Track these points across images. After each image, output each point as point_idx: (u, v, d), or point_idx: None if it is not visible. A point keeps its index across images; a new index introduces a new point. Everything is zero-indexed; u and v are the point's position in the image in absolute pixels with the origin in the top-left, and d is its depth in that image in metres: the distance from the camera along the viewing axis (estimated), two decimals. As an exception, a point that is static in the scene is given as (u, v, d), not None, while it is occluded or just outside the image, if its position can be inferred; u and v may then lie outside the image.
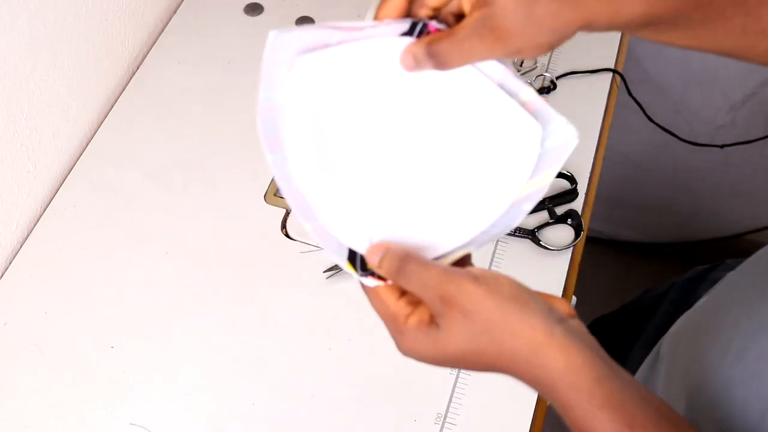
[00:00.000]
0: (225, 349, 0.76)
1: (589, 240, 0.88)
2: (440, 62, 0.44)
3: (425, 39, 0.45)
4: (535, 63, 0.95)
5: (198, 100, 0.93)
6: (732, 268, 0.85)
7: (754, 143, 1.36)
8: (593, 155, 0.89)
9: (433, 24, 0.45)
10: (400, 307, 0.45)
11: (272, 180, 0.86)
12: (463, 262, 0.48)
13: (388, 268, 0.45)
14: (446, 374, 0.74)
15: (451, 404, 0.72)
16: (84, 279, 0.80)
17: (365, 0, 0.70)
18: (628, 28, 0.46)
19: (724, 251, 1.62)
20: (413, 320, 0.44)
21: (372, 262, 0.46)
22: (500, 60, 0.46)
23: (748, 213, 1.57)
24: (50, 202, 0.85)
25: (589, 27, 0.45)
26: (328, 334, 0.77)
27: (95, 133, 0.91)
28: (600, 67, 0.96)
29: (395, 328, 0.45)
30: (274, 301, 0.79)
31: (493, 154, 0.47)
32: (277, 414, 0.73)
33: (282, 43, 0.45)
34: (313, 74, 0.46)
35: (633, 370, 0.80)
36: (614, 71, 0.97)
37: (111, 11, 0.90)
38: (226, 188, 0.86)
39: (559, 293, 0.79)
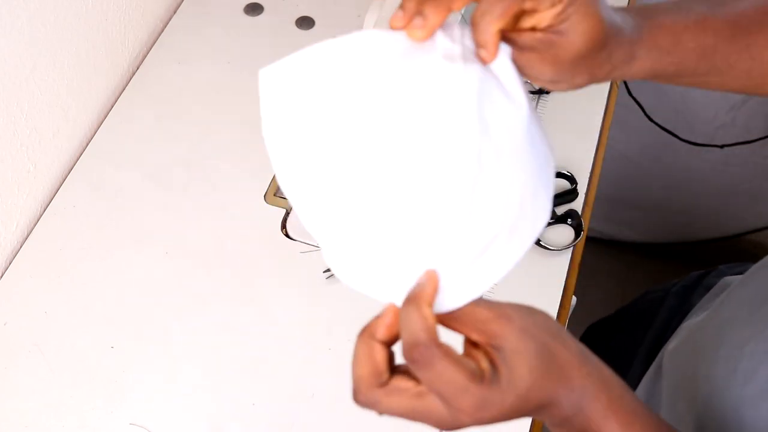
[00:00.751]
0: (225, 349, 0.76)
1: (589, 240, 0.88)
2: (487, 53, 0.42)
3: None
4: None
5: (198, 99, 0.93)
6: (726, 273, 0.85)
7: (754, 143, 1.36)
8: (593, 155, 0.89)
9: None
10: (468, 361, 0.40)
11: (272, 180, 0.86)
12: None
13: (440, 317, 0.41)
14: (446, 374, 0.74)
15: (451, 404, 0.72)
16: (84, 279, 0.80)
17: (365, 0, 0.70)
18: (632, 79, 0.49)
19: (724, 251, 1.62)
20: (478, 372, 0.40)
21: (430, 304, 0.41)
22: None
23: (748, 213, 1.57)
24: (50, 202, 0.85)
25: (602, 78, 0.47)
26: (328, 334, 0.77)
27: (95, 133, 0.91)
28: (600, 67, 0.96)
29: (457, 396, 0.40)
30: (274, 301, 0.79)
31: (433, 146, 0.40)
32: (277, 414, 0.73)
33: (273, 75, 0.44)
34: (304, 80, 0.44)
35: (634, 383, 0.81)
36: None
37: (111, 11, 0.90)
38: (226, 188, 0.86)
39: (559, 293, 0.79)
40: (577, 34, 0.43)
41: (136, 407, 0.73)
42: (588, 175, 0.87)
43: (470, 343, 0.42)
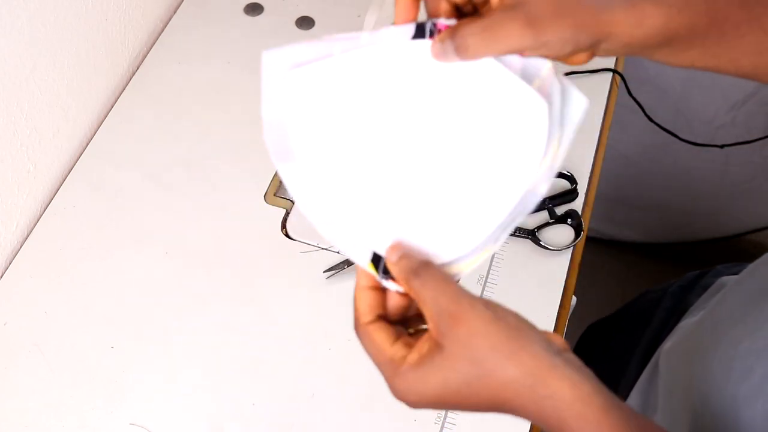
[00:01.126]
0: (225, 349, 0.76)
1: (589, 240, 0.88)
2: (466, 55, 0.44)
3: (451, 27, 0.44)
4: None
5: (198, 99, 0.93)
6: (723, 273, 0.85)
7: (754, 143, 1.36)
8: (593, 155, 0.89)
9: (442, 21, 0.45)
10: (396, 349, 0.44)
11: (272, 180, 0.86)
12: None
13: (405, 267, 0.44)
14: (446, 374, 0.74)
15: (451, 404, 0.72)
16: (84, 279, 0.80)
17: (365, 0, 0.70)
18: (646, 46, 0.47)
19: (724, 251, 1.62)
20: (412, 356, 0.43)
21: (390, 258, 0.45)
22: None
23: (748, 213, 1.57)
24: (50, 202, 0.85)
25: (610, 37, 0.45)
26: (328, 334, 0.77)
27: (95, 133, 0.91)
28: (600, 67, 0.96)
29: (391, 371, 0.44)
30: (274, 301, 0.79)
31: (503, 142, 0.45)
32: (277, 414, 0.73)
33: (277, 59, 0.45)
34: (314, 83, 0.46)
35: (631, 382, 0.81)
36: (614, 71, 0.97)
37: (111, 11, 0.90)
38: (226, 188, 0.86)
39: (559, 293, 0.79)
40: None
41: (136, 407, 0.73)
42: (588, 175, 0.87)
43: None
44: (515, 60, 0.45)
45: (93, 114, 0.92)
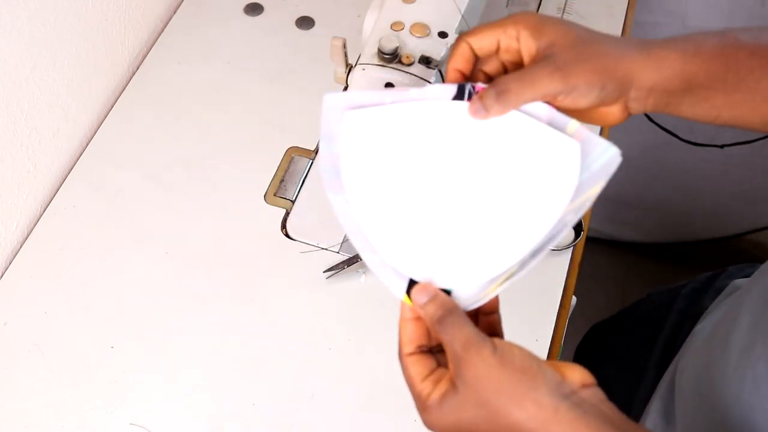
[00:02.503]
0: (225, 349, 0.76)
1: (589, 240, 0.88)
2: (507, 99, 0.49)
3: (491, 84, 0.50)
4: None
5: (198, 100, 0.93)
6: (735, 276, 0.85)
7: (754, 143, 1.36)
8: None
9: (480, 85, 0.51)
10: (424, 386, 0.47)
11: (272, 180, 0.87)
12: (493, 324, 0.51)
13: (431, 314, 0.48)
14: (446, 374, 0.74)
15: (451, 404, 0.72)
16: (84, 279, 0.80)
17: (365, 0, 0.70)
18: (671, 92, 0.51)
19: (724, 251, 1.62)
20: (435, 395, 0.46)
21: (418, 301, 0.48)
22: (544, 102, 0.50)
23: (748, 213, 1.57)
24: (50, 202, 0.85)
25: (633, 82, 0.50)
26: (328, 334, 0.77)
27: (95, 133, 0.91)
28: (600, 67, 0.96)
29: (420, 404, 0.48)
30: (274, 301, 0.79)
31: (537, 181, 0.50)
32: (277, 414, 0.73)
33: (335, 101, 0.52)
34: (366, 126, 0.51)
35: (650, 388, 0.81)
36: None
37: (111, 11, 0.90)
38: (226, 188, 0.86)
39: (559, 293, 0.79)
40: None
41: (136, 407, 0.73)
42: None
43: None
44: (543, 113, 0.50)
45: (93, 114, 0.92)
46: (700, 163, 1.47)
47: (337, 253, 0.81)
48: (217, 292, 0.79)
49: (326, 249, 0.82)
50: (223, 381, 0.74)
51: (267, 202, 0.85)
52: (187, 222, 0.84)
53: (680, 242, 1.68)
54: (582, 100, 0.50)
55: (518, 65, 0.52)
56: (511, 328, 0.52)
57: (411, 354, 0.49)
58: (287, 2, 1.02)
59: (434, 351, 0.50)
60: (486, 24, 0.52)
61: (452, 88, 0.51)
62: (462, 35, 0.53)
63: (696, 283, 0.90)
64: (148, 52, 0.97)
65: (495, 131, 0.51)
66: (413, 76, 0.63)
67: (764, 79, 0.51)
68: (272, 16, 1.01)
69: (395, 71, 0.63)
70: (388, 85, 0.64)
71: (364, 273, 0.80)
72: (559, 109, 0.51)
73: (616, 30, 0.99)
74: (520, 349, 0.45)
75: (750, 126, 0.53)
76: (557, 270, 0.81)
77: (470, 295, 0.49)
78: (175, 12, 1.01)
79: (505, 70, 0.54)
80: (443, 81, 0.65)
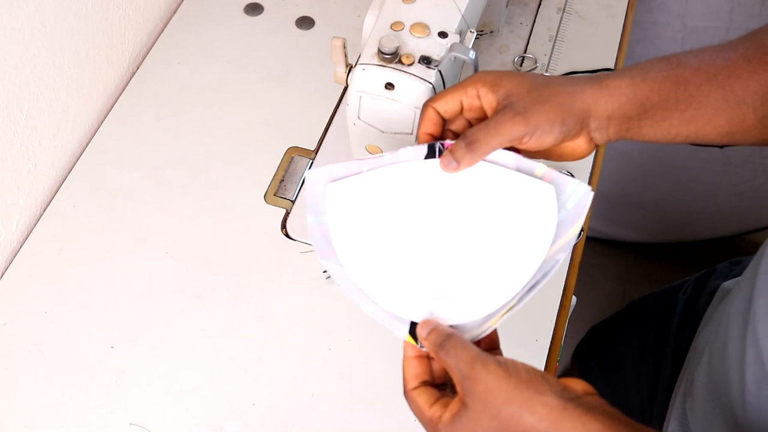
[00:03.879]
0: (225, 349, 0.76)
1: (589, 240, 0.88)
2: (476, 147, 0.53)
3: (460, 137, 0.54)
4: (535, 64, 0.95)
5: (198, 99, 0.93)
6: (724, 275, 0.85)
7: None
8: (593, 155, 0.89)
9: (448, 142, 0.55)
10: (434, 410, 0.49)
11: (272, 180, 0.87)
12: (493, 342, 0.54)
13: (433, 342, 0.50)
14: (446, 374, 0.74)
15: (451, 404, 0.72)
16: (84, 279, 0.80)
17: (365, 0, 0.70)
18: (628, 117, 0.55)
19: (724, 251, 1.62)
20: (446, 416, 0.48)
21: (420, 334, 0.52)
22: (510, 149, 0.55)
23: (748, 213, 1.57)
24: (50, 202, 0.85)
25: (591, 113, 0.54)
26: (328, 334, 0.77)
27: (95, 133, 0.91)
28: (600, 67, 0.96)
29: (431, 428, 0.50)
30: (274, 301, 0.79)
31: (519, 223, 0.54)
32: (277, 414, 0.73)
33: (318, 176, 0.57)
34: (349, 194, 0.56)
35: (652, 391, 0.81)
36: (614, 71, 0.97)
37: (111, 11, 0.90)
38: (226, 188, 0.86)
39: (559, 293, 0.79)
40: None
41: (136, 407, 0.73)
42: (588, 175, 0.87)
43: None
44: (510, 161, 0.54)
45: (93, 114, 0.92)
46: (700, 163, 1.47)
47: (337, 253, 0.81)
48: (217, 292, 0.79)
49: (326, 249, 0.82)
50: (223, 381, 0.74)
51: (267, 202, 0.85)
52: (187, 222, 0.84)
53: (680, 242, 1.68)
54: (546, 138, 0.53)
55: (483, 120, 0.56)
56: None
57: (415, 388, 0.51)
58: (287, 2, 1.02)
59: (437, 386, 0.52)
60: (448, 89, 0.56)
61: (423, 149, 0.55)
62: (428, 102, 0.57)
63: (690, 286, 0.90)
64: (148, 52, 0.97)
65: (470, 182, 0.55)
66: (413, 76, 0.63)
67: (712, 93, 0.54)
68: (272, 16, 1.01)
69: (395, 71, 0.63)
70: (388, 85, 0.64)
71: (364, 273, 0.80)
72: (526, 150, 0.55)
73: (616, 30, 0.99)
74: (523, 363, 0.48)
75: (708, 139, 0.56)
76: (557, 270, 0.81)
77: (470, 329, 0.52)
78: (175, 12, 1.01)
79: (471, 127, 0.57)
80: (443, 81, 0.65)
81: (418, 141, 0.57)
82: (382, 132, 0.68)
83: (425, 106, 0.57)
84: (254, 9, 1.01)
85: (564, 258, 0.53)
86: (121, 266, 0.81)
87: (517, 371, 0.47)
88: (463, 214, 0.55)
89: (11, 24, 0.75)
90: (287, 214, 0.84)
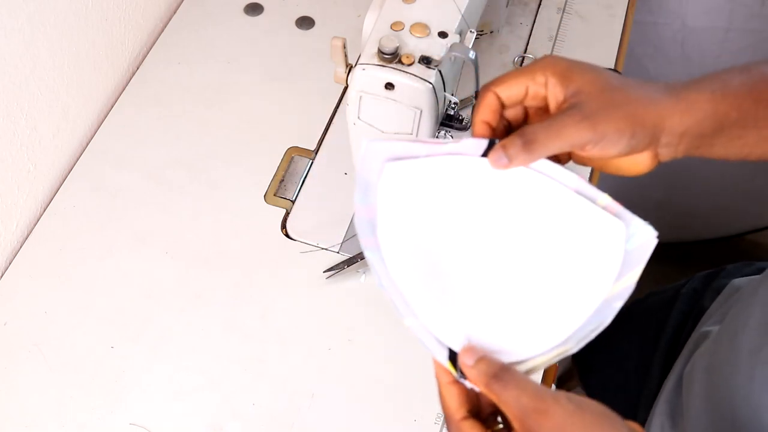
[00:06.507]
0: (225, 349, 0.76)
1: (589, 240, 0.87)
2: (534, 148, 0.47)
3: (516, 133, 0.48)
4: (535, 63, 0.95)
5: (198, 100, 0.93)
6: (734, 275, 0.85)
7: (754, 143, 1.35)
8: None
9: None
10: None
11: (272, 180, 0.86)
12: None
13: (485, 372, 0.45)
14: (446, 374, 0.74)
15: (451, 404, 0.72)
16: (84, 279, 0.80)
17: (365, 0, 0.70)
18: (702, 135, 0.50)
19: (724, 251, 1.62)
20: None
21: (465, 362, 0.46)
22: (572, 171, 0.49)
23: (748, 213, 1.57)
24: (50, 202, 0.85)
25: (664, 129, 0.49)
26: (328, 334, 0.77)
27: (95, 133, 0.91)
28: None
29: None
30: (274, 301, 0.79)
31: (580, 256, 0.49)
32: (277, 414, 0.73)
33: (374, 150, 0.50)
34: (402, 180, 0.49)
35: (655, 388, 0.81)
36: (614, 71, 0.96)
37: (111, 11, 0.90)
38: (226, 188, 0.86)
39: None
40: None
41: (136, 407, 0.73)
42: (588, 175, 0.87)
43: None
44: (572, 183, 0.49)
45: (93, 114, 0.92)
46: (700, 163, 1.46)
47: (337, 253, 0.81)
48: (217, 292, 0.79)
49: (326, 249, 0.82)
50: (223, 381, 0.74)
51: (267, 202, 0.85)
52: (187, 222, 0.84)
53: (680, 242, 1.68)
54: (611, 148, 0.48)
55: (542, 111, 0.51)
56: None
57: (466, 418, 0.47)
58: (287, 2, 1.02)
59: (475, 414, 0.48)
60: (512, 72, 0.50)
61: (483, 144, 0.49)
62: (488, 85, 0.50)
63: (695, 283, 0.90)
64: (148, 52, 0.97)
65: (528, 196, 0.49)
66: (413, 76, 0.63)
67: None
68: (272, 16, 1.01)
69: (395, 71, 0.63)
70: (388, 85, 0.64)
71: (364, 273, 0.80)
72: (587, 158, 0.50)
73: (616, 30, 0.99)
74: (588, 398, 0.44)
75: None
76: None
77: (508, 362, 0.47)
78: (175, 12, 1.01)
79: (526, 115, 0.52)
80: (443, 81, 0.65)
81: (472, 128, 0.51)
82: (382, 132, 0.68)
83: (485, 89, 0.50)
84: (254, 9, 1.01)
85: (619, 305, 0.48)
86: (121, 266, 0.81)
87: (588, 407, 0.43)
88: (516, 231, 0.50)
89: (11, 24, 0.75)
90: (287, 214, 0.84)
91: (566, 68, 0.49)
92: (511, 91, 0.50)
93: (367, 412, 0.73)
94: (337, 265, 0.80)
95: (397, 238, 0.49)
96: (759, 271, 0.83)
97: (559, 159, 0.51)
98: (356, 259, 0.80)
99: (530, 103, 0.51)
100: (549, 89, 0.49)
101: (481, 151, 0.49)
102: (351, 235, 0.82)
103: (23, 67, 0.78)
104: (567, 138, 0.47)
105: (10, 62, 0.76)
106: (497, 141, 0.49)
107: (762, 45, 1.25)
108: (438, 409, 0.72)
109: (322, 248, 0.82)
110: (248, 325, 0.77)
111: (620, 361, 0.96)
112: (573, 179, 0.49)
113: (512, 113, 0.52)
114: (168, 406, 0.73)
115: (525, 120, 0.53)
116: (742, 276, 0.84)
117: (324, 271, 0.80)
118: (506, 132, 0.52)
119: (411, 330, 0.47)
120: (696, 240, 1.66)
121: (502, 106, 0.51)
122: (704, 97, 0.49)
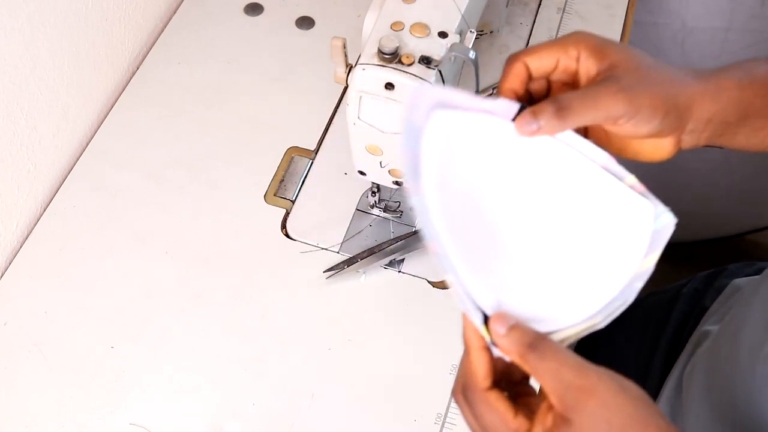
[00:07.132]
0: (225, 349, 0.76)
1: (590, 240, 0.87)
2: (567, 116, 0.45)
3: (548, 100, 0.46)
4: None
5: (198, 100, 0.93)
6: (736, 274, 0.85)
7: (754, 143, 1.35)
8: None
9: None
10: (519, 422, 0.43)
11: (272, 180, 0.87)
12: None
13: (519, 341, 0.43)
14: (446, 374, 0.74)
15: (451, 404, 0.72)
16: (84, 279, 0.80)
17: (365, 0, 0.70)
18: (727, 122, 0.50)
19: (724, 251, 1.62)
20: (537, 430, 0.42)
21: (497, 331, 0.43)
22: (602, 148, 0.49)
23: (748, 213, 1.57)
24: (50, 202, 0.85)
25: (692, 113, 0.48)
26: (328, 334, 0.77)
27: (95, 133, 0.91)
28: (600, 67, 0.96)
29: None
30: (274, 301, 0.79)
31: (610, 230, 0.48)
32: (277, 414, 0.73)
33: (424, 96, 0.48)
34: (448, 131, 0.48)
35: (656, 386, 0.81)
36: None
37: (111, 11, 0.90)
38: (226, 188, 0.86)
39: (559, 293, 0.79)
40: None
41: (136, 407, 0.73)
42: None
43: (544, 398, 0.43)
44: (601, 158, 0.48)
45: (93, 114, 0.92)
46: (700, 163, 1.47)
47: (337, 253, 0.81)
48: (217, 292, 0.79)
49: (326, 249, 0.82)
50: (223, 381, 0.74)
51: (267, 202, 0.85)
52: (187, 222, 0.84)
53: (680, 242, 1.67)
54: (643, 126, 0.47)
55: (567, 87, 0.50)
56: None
57: (491, 389, 0.44)
58: (287, 2, 1.02)
59: (499, 383, 0.46)
60: (544, 43, 0.49)
61: (514, 107, 0.48)
62: (518, 54, 0.49)
63: (696, 283, 0.90)
64: (148, 52, 0.97)
65: (560, 167, 0.49)
66: (413, 76, 0.63)
67: None
68: (272, 16, 1.01)
69: (395, 71, 0.63)
70: (388, 85, 0.64)
71: (364, 273, 0.80)
72: (613, 135, 0.49)
73: (616, 30, 0.99)
74: (625, 378, 0.43)
75: None
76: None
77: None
78: (175, 12, 1.01)
79: (549, 89, 0.51)
80: (443, 81, 0.65)
81: (499, 95, 0.50)
82: (382, 132, 0.68)
83: (513, 58, 0.49)
84: (254, 9, 1.01)
85: (640, 285, 0.48)
86: (121, 266, 0.81)
87: (630, 389, 0.41)
88: (548, 201, 0.49)
89: (11, 24, 0.75)
90: (287, 214, 0.84)
91: (600, 43, 0.48)
92: (541, 62, 0.48)
93: (367, 412, 0.73)
94: (337, 265, 0.80)
95: (440, 189, 0.48)
96: (760, 272, 0.83)
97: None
98: (356, 259, 0.80)
99: (558, 76, 0.50)
100: (581, 62, 0.48)
101: (512, 115, 0.48)
102: (351, 235, 0.82)
103: (23, 67, 0.78)
104: (603, 108, 0.45)
105: (10, 62, 0.76)
106: (527, 107, 0.47)
107: (762, 45, 1.25)
108: (438, 408, 0.72)
109: (322, 248, 0.82)
110: (248, 325, 0.77)
111: (620, 361, 0.96)
112: (602, 156, 0.48)
113: (536, 86, 0.51)
114: (168, 406, 0.73)
115: (547, 95, 0.52)
116: (744, 276, 0.84)
117: (324, 271, 0.80)
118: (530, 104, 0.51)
119: (449, 285, 0.46)
120: (696, 240, 1.65)
121: (529, 77, 0.49)
122: (731, 83, 0.49)
